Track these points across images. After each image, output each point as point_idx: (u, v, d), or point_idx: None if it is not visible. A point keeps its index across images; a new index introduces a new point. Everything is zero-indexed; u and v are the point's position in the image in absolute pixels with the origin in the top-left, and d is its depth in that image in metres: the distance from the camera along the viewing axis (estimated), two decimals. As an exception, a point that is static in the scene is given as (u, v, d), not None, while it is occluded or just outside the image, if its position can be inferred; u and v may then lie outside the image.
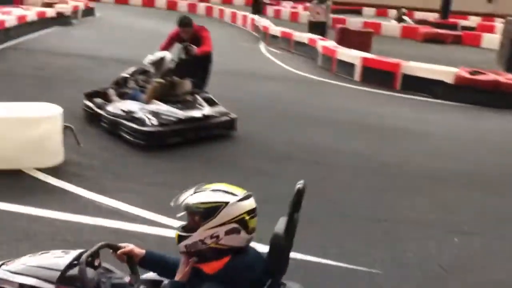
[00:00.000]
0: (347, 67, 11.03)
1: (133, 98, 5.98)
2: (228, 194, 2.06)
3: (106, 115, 5.85)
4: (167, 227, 3.78)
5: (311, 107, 8.16)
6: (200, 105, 5.97)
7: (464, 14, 27.94)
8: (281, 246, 2.07)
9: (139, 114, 5.57)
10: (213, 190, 2.08)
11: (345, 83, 10.45)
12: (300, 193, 2.08)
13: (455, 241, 3.96)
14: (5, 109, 4.77)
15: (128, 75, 6.44)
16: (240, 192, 2.07)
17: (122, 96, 6.17)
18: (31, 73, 8.92)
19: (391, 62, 10.32)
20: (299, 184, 2.08)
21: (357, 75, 10.72)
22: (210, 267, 2.01)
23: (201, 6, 26.26)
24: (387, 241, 3.90)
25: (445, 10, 25.36)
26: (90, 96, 6.34)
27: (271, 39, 15.90)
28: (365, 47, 13.20)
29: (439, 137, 6.90)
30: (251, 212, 2.05)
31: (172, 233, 3.59)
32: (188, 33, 6.36)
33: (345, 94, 9.63)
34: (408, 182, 5.16)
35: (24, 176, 4.52)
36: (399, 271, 3.47)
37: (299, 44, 14.28)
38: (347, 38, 14.20)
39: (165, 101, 5.76)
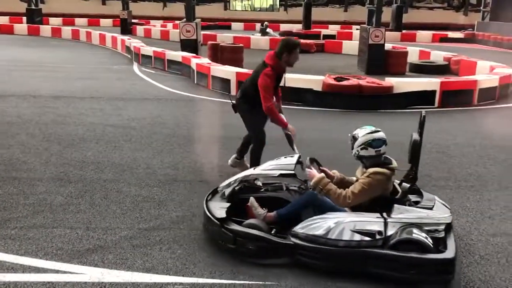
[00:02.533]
0: (223, 83, 11.24)
1: (318, 206, 3.94)
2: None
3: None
4: (51, 271, 3.57)
5: (191, 126, 8.20)
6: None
7: (324, 24, 29.91)
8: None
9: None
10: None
11: (223, 98, 10.64)
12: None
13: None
14: None
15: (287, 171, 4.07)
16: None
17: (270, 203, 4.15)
18: None
19: (264, 75, 10.68)
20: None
21: (234, 91, 10.97)
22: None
23: (66, 30, 25.11)
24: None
25: (307, 21, 26.95)
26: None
27: (144, 60, 15.69)
28: (237, 62, 13.55)
29: (309, 141, 7.24)
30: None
31: (60, 278, 3.46)
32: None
33: (224, 110, 9.78)
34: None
35: None
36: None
37: (173, 63, 14.27)
38: (220, 54, 14.49)
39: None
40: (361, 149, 3.92)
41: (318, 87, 10.15)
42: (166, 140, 7.18)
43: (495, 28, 27.18)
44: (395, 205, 3.77)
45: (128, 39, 19.14)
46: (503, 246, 4.18)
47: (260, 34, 23.85)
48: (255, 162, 5.23)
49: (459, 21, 34.99)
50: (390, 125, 8.63)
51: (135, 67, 15.27)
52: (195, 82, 12.38)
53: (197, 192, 5.19)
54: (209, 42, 15.87)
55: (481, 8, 30.79)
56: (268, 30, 24.16)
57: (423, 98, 10.24)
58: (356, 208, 3.87)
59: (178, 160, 6.29)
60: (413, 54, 16.97)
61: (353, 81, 10.30)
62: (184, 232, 4.27)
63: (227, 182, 4.37)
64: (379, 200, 3.85)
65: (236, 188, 4.32)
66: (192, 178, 5.65)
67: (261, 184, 4.55)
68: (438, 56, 16.73)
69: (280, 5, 40.12)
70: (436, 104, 10.27)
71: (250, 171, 4.38)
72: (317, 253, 3.67)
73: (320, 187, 3.89)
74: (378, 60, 14.34)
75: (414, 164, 3.90)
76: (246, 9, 41.42)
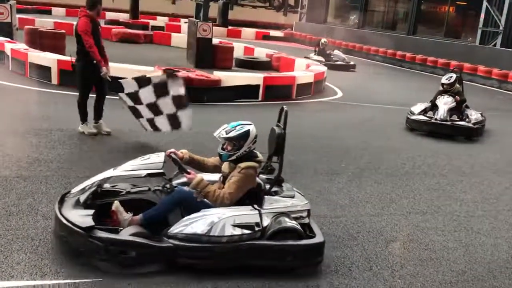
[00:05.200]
0: (43, 70, 10.41)
1: (187, 205, 3.77)
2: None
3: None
4: None
5: (3, 117, 7.46)
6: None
7: (152, 15, 29.53)
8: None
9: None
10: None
11: (42, 87, 9.87)
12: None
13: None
14: None
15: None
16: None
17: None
18: None
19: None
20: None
21: (55, 79, 10.24)
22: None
23: None
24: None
25: (134, 10, 26.28)
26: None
27: None
28: (59, 49, 12.68)
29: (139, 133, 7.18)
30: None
31: None
32: None
33: (43, 100, 9.09)
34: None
35: None
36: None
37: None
38: (39, 40, 13.40)
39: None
40: (254, 143, 3.91)
41: (146, 79, 9.99)
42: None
43: (310, 28, 29.73)
44: (265, 196, 3.90)
45: None
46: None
47: (315, 56, 17.93)
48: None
49: (279, 21, 37.41)
50: (218, 117, 8.94)
51: None
52: (10, 69, 11.25)
53: (14, 189, 4.77)
54: (26, 27, 14.55)
55: (299, 9, 33.37)
56: (336, 51, 18.61)
57: (249, 91, 10.78)
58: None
59: (-10, 155, 5.69)
60: (238, 50, 17.70)
61: (182, 74, 10.36)
62: (-1, 233, 3.89)
63: (81, 186, 3.86)
64: (248, 193, 3.86)
65: (92, 193, 3.82)
66: (7, 174, 5.15)
67: (112, 187, 4.10)
68: (261, 52, 17.72)
69: (106, -8, 38.44)
70: (260, 98, 10.90)
71: (110, 173, 3.86)
72: (200, 252, 3.53)
73: (199, 189, 3.72)
74: (207, 54, 14.64)
75: (279, 156, 4.02)
76: (68, -7, 38.78)
